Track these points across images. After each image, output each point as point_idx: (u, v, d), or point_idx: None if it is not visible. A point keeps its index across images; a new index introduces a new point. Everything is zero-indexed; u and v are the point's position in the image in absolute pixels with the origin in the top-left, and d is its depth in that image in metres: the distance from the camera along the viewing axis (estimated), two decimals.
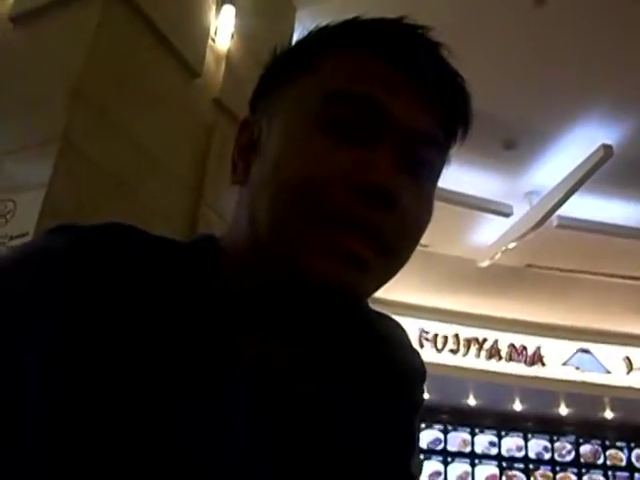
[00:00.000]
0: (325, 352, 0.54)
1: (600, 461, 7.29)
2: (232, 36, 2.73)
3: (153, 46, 2.28)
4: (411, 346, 0.65)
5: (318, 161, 0.46)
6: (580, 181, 4.47)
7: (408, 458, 0.59)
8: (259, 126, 0.54)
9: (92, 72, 1.99)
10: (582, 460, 7.25)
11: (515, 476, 7.01)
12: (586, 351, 6.85)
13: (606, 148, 4.20)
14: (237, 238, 0.52)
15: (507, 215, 5.03)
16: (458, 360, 6.49)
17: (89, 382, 0.41)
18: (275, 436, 0.48)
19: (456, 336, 6.56)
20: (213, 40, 2.66)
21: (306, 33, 0.54)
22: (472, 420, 7.08)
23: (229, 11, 2.73)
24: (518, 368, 6.62)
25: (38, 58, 2.13)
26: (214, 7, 2.71)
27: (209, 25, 2.65)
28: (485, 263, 5.69)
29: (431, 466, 6.82)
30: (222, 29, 2.69)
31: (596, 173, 4.38)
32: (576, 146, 4.35)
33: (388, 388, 0.58)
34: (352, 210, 0.45)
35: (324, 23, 0.54)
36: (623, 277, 5.87)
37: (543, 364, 6.71)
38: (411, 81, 0.48)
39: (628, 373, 6.89)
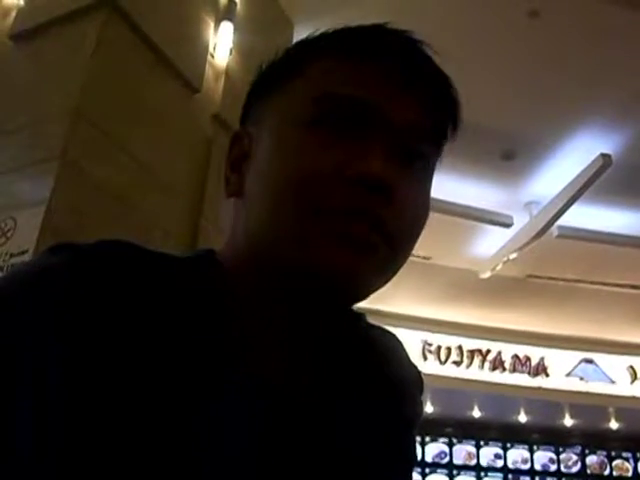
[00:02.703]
0: (324, 363, 0.54)
1: (607, 472, 7.23)
2: (231, 52, 2.75)
3: (152, 63, 2.30)
4: (408, 359, 0.65)
5: (311, 158, 0.47)
6: (579, 191, 4.48)
7: (406, 471, 0.60)
8: (249, 136, 0.55)
9: (92, 90, 2.01)
10: (588, 471, 7.20)
11: None
12: (590, 361, 6.82)
13: (605, 157, 4.21)
14: (236, 249, 0.53)
15: (507, 226, 5.03)
16: (462, 372, 6.46)
17: (96, 396, 0.42)
18: (275, 443, 0.48)
19: (459, 348, 6.53)
20: (212, 56, 2.68)
21: (292, 45, 0.56)
22: (477, 432, 7.04)
23: (227, 27, 2.75)
24: (522, 379, 6.59)
25: (38, 76, 2.15)
26: (212, 24, 2.74)
27: (208, 41, 2.68)
28: (486, 274, 5.68)
29: None
30: (221, 45, 2.72)
31: (595, 182, 4.39)
32: (575, 156, 4.36)
33: (385, 401, 0.58)
34: (351, 201, 0.46)
35: (310, 34, 0.55)
36: (625, 286, 5.87)
37: (547, 375, 6.68)
38: (395, 78, 0.49)
39: (632, 382, 6.85)
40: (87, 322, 0.43)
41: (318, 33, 0.54)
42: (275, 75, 0.54)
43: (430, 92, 0.50)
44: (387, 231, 0.47)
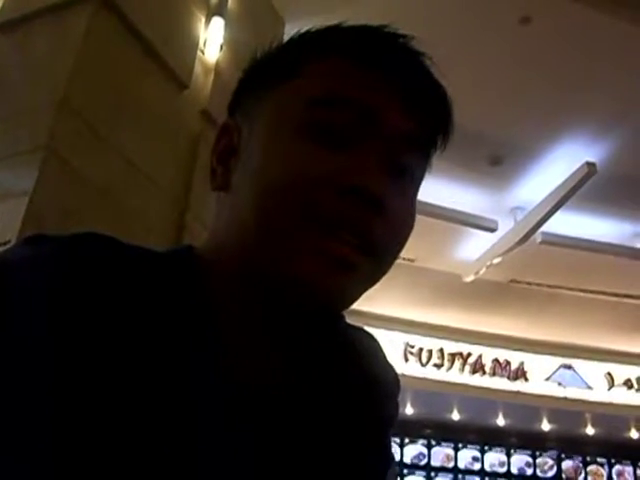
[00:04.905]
0: (302, 363, 0.54)
1: (581, 477, 7.31)
2: (221, 48, 2.74)
3: (141, 57, 2.28)
4: (386, 360, 0.65)
5: (304, 164, 0.46)
6: (564, 198, 4.53)
7: (383, 471, 0.60)
8: (238, 131, 0.54)
9: (79, 82, 1.99)
10: (564, 476, 7.28)
11: None
12: (568, 367, 6.89)
13: (590, 165, 4.26)
14: (217, 246, 0.52)
15: (492, 230, 5.07)
16: (442, 375, 6.50)
17: (83, 392, 0.41)
18: (253, 440, 0.48)
19: (441, 351, 6.57)
20: (202, 52, 2.67)
21: (292, 36, 0.55)
22: (456, 435, 7.08)
23: (218, 23, 2.73)
24: (501, 383, 6.64)
25: (25, 67, 2.12)
26: (203, 19, 2.72)
27: (198, 37, 2.66)
28: (470, 278, 5.72)
29: None
30: (211, 41, 2.70)
31: (580, 190, 4.44)
32: (560, 163, 4.41)
33: (363, 401, 0.58)
34: (340, 212, 0.45)
35: (305, 29, 0.54)
36: (605, 293, 5.93)
37: (526, 379, 6.74)
38: (393, 87, 0.48)
39: (609, 389, 6.94)
40: (62, 321, 0.43)
41: (315, 29, 0.53)
42: (272, 70, 0.53)
43: (428, 106, 0.50)
44: (374, 244, 0.47)
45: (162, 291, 0.48)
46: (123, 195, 2.09)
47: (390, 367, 0.65)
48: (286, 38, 0.56)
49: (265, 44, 0.56)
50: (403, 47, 0.50)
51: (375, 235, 0.47)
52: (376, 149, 0.48)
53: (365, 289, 0.50)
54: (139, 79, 2.27)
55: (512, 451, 7.21)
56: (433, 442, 7.02)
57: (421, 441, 6.98)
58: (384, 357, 0.65)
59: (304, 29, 0.54)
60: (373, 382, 0.60)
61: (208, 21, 2.73)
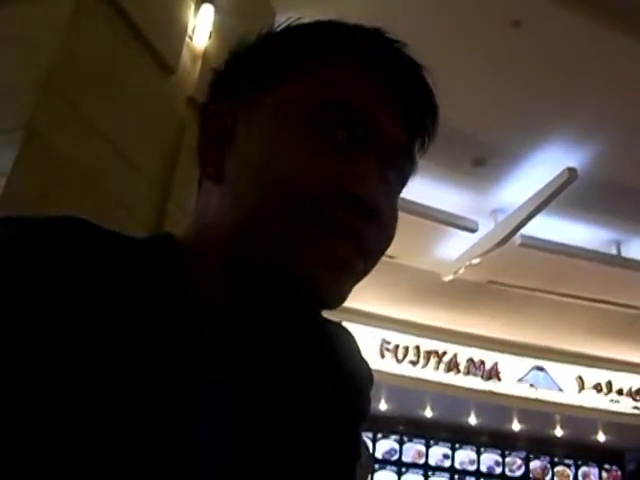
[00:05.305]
0: (280, 356, 0.54)
1: (548, 477, 7.44)
2: (210, 35, 2.71)
3: (128, 40, 2.25)
4: (360, 354, 0.66)
5: (311, 167, 0.48)
6: (544, 202, 4.58)
7: (352, 463, 0.61)
8: (234, 118, 0.53)
9: (64, 62, 1.95)
10: (531, 475, 7.39)
11: None
12: (541, 369, 6.99)
13: (571, 171, 4.31)
14: (204, 236, 0.52)
15: (472, 231, 5.10)
16: (417, 372, 6.55)
17: (41, 384, 0.41)
18: (223, 427, 0.49)
19: (417, 348, 6.62)
20: (190, 38, 2.64)
21: (290, 25, 0.55)
22: (427, 432, 7.15)
23: (208, 10, 2.71)
24: (475, 382, 6.72)
25: (8, 44, 2.08)
26: (193, 5, 2.69)
27: (187, 23, 2.63)
28: (449, 277, 5.76)
29: (385, 476, 6.85)
30: (200, 28, 2.67)
31: (560, 195, 4.49)
32: (542, 167, 4.45)
33: (337, 393, 0.59)
34: (342, 217, 0.48)
35: (311, 19, 0.55)
36: (580, 298, 6.02)
37: (499, 379, 6.82)
38: (396, 101, 0.51)
39: (580, 392, 7.06)
40: (41, 299, 0.42)
41: (319, 23, 0.54)
42: (277, 60, 0.53)
43: (422, 119, 0.54)
44: (367, 249, 0.50)
45: (138, 277, 0.48)
46: (105, 179, 2.07)
47: (364, 362, 0.66)
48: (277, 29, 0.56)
49: (255, 33, 0.56)
50: (408, 60, 0.53)
51: (370, 240, 0.50)
52: (375, 157, 0.50)
53: (354, 286, 0.52)
54: (126, 62, 2.25)
55: (482, 450, 7.31)
56: (405, 438, 7.09)
57: (393, 437, 7.04)
58: (358, 352, 0.66)
59: (301, 19, 0.55)
60: (346, 376, 0.61)
61: (198, 8, 2.70)
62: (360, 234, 0.49)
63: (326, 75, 0.51)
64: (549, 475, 7.45)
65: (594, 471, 7.64)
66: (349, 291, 0.51)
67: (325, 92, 0.50)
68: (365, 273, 0.52)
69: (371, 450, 6.73)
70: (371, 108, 0.50)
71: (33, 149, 1.81)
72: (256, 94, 0.53)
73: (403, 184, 0.55)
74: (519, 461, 7.41)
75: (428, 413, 6.98)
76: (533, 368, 6.95)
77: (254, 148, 0.50)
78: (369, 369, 0.66)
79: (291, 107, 0.50)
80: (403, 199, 0.56)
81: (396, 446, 7.03)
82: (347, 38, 0.53)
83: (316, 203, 0.47)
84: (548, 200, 4.55)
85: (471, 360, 6.77)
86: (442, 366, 6.66)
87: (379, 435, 6.95)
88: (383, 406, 6.65)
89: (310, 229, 0.47)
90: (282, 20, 0.56)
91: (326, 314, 0.58)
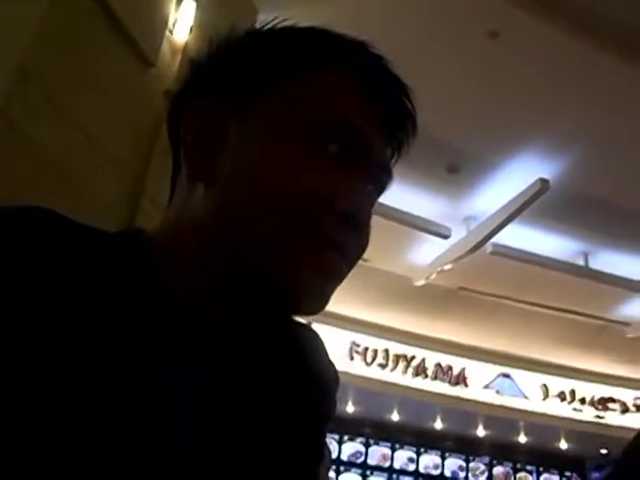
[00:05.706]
0: (247, 357, 0.55)
1: None
2: (191, 30, 2.69)
3: (107, 30, 2.22)
4: (327, 356, 0.66)
5: (305, 179, 0.49)
6: (516, 211, 4.65)
7: (316, 465, 0.61)
8: (224, 117, 0.52)
9: (40, 50, 1.92)
10: None
11: None
12: (507, 376, 7.09)
13: (543, 182, 4.38)
14: (179, 236, 0.51)
15: (445, 237, 5.16)
16: (385, 375, 6.58)
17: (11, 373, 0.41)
18: (204, 426, 0.50)
19: (386, 351, 6.65)
20: (171, 32, 2.62)
21: (281, 27, 0.54)
22: (393, 435, 7.19)
23: (190, 5, 2.69)
24: (442, 387, 6.78)
25: None
26: None
27: (168, 15, 2.61)
28: (420, 282, 5.81)
29: (350, 479, 6.87)
30: (181, 22, 2.66)
31: (532, 205, 4.56)
32: (515, 177, 4.52)
33: (299, 396, 0.59)
34: (333, 230, 0.50)
35: (296, 21, 0.55)
36: (548, 307, 6.13)
37: (466, 385, 6.90)
38: (386, 122, 0.54)
39: (544, 399, 7.18)
40: (2, 290, 0.42)
41: (312, 29, 0.54)
42: (268, 63, 0.52)
43: (406, 137, 0.57)
44: (350, 258, 0.53)
45: (106, 270, 0.47)
46: (78, 170, 2.04)
47: (330, 364, 0.66)
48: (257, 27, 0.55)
49: (237, 30, 0.56)
50: (397, 80, 0.54)
51: (353, 251, 0.53)
52: (366, 174, 0.53)
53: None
54: (104, 52, 2.22)
55: (447, 454, 7.38)
56: (371, 441, 7.12)
57: (359, 439, 7.07)
58: (325, 354, 0.66)
59: (286, 21, 0.55)
60: (312, 378, 0.61)
61: (179, 2, 2.69)
62: (350, 245, 0.51)
63: (323, 87, 0.51)
64: None
65: (555, 478, 7.78)
66: (331, 296, 0.53)
67: (322, 106, 0.51)
68: (343, 280, 0.54)
69: (337, 452, 6.74)
70: (365, 126, 0.52)
71: (4, 137, 1.77)
72: (248, 96, 0.52)
73: (380, 194, 0.58)
74: (482, 466, 7.50)
75: (395, 417, 7.02)
76: (499, 375, 7.05)
77: (249, 153, 0.50)
78: (335, 372, 0.67)
79: (287, 116, 0.50)
80: (378, 203, 0.58)
81: (362, 449, 7.05)
82: (343, 51, 0.53)
83: (308, 214, 0.48)
84: (520, 209, 4.62)
85: (439, 365, 6.83)
86: (410, 370, 6.71)
87: (345, 437, 6.97)
88: (350, 408, 6.67)
89: (301, 238, 0.49)
90: (264, 19, 0.55)
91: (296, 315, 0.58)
